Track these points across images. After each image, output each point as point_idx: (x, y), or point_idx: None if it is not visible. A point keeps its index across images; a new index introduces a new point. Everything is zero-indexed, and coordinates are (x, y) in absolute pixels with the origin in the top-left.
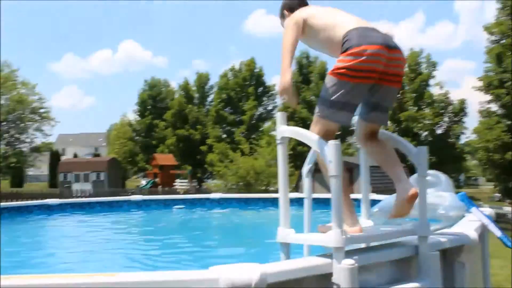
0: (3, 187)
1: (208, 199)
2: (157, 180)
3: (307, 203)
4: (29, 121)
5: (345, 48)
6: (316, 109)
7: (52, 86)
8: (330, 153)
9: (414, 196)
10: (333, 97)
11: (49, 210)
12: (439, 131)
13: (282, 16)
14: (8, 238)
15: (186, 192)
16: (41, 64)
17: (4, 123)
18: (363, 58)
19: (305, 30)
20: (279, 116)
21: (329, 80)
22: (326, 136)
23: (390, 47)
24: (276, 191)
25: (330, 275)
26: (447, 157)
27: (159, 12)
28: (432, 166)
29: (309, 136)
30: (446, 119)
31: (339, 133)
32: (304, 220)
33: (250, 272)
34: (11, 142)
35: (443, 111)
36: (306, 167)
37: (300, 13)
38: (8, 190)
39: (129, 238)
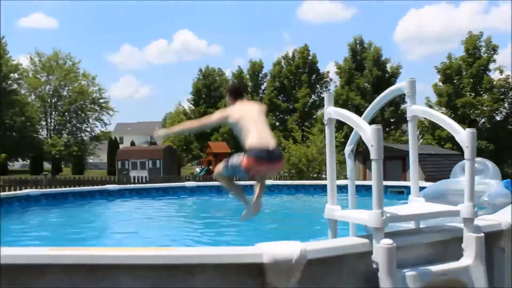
0: (66, 174)
1: None
2: (211, 167)
3: (350, 183)
4: (89, 111)
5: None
6: None
7: (110, 77)
8: (372, 138)
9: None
10: None
11: (110, 195)
12: (498, 118)
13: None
14: (75, 220)
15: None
16: (99, 55)
17: (67, 113)
18: None
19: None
20: (326, 97)
21: None
22: None
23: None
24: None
25: (369, 253)
26: (506, 144)
27: (214, 1)
28: (490, 153)
29: (354, 119)
30: (506, 105)
31: (392, 119)
32: (349, 200)
33: (292, 248)
34: (73, 131)
35: (503, 96)
36: (348, 148)
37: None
38: (71, 177)
39: (184, 220)
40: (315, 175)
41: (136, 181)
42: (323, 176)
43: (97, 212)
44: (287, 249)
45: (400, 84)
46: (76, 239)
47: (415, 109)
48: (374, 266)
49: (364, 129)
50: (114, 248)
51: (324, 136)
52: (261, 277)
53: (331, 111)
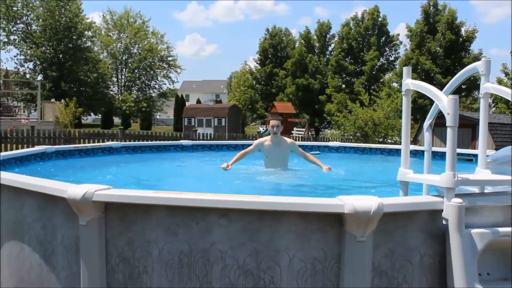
0: (134, 129)
1: (327, 146)
2: None
3: (427, 155)
4: (157, 69)
5: None
6: None
7: (177, 35)
8: (448, 106)
9: None
10: None
11: (183, 149)
12: None
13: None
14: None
15: (303, 140)
16: (167, 13)
17: (136, 70)
18: None
19: None
20: (404, 70)
21: None
22: None
23: None
24: (393, 143)
25: (440, 211)
26: None
27: None
28: None
29: (432, 90)
30: None
31: (464, 86)
32: (424, 168)
33: (370, 202)
34: (142, 88)
35: None
36: (427, 122)
37: None
38: (143, 132)
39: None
40: (380, 139)
41: (202, 138)
42: (388, 140)
43: (181, 164)
44: (367, 202)
45: (476, 64)
46: (165, 185)
47: (488, 87)
48: (444, 222)
49: (441, 98)
50: (211, 193)
51: (392, 101)
52: (340, 225)
53: (409, 83)
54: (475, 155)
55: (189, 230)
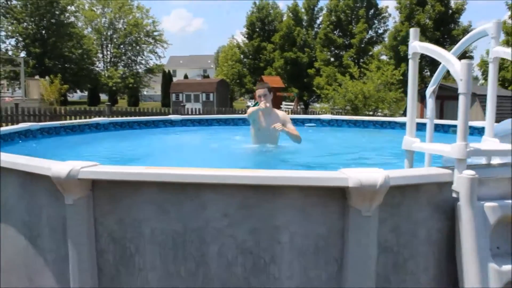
0: (122, 105)
1: (319, 119)
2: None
3: (429, 124)
4: (143, 44)
5: None
6: None
7: (162, 10)
8: (461, 71)
9: None
10: None
11: (172, 125)
12: None
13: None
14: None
15: (294, 113)
16: None
17: (122, 46)
18: None
19: None
20: (411, 32)
21: None
22: None
23: None
24: (384, 116)
25: (449, 184)
26: None
27: None
28: None
29: (441, 53)
30: None
31: (469, 55)
32: (426, 137)
33: (376, 174)
34: (128, 64)
35: None
36: (430, 88)
37: None
38: (130, 109)
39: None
40: (371, 112)
41: (191, 113)
42: (378, 113)
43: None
44: (372, 174)
45: (485, 26)
46: (155, 159)
47: (499, 51)
48: (454, 195)
49: (453, 63)
50: (204, 168)
51: (382, 73)
52: (343, 199)
53: (416, 46)
54: (471, 127)
55: (181, 207)
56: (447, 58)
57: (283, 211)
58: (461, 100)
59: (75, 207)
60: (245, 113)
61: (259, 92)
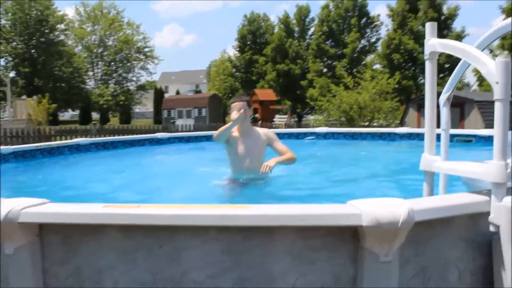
0: (114, 124)
1: (314, 133)
2: (257, 115)
3: (444, 136)
4: (134, 60)
5: None
6: None
7: (154, 26)
8: (498, 73)
9: None
10: None
11: (159, 143)
12: None
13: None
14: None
15: (287, 127)
16: (143, 3)
17: (113, 63)
18: None
19: None
20: (428, 27)
21: None
22: None
23: None
24: (379, 127)
25: (485, 214)
26: None
27: None
28: None
29: (469, 50)
30: None
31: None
32: (441, 151)
33: (397, 208)
34: (119, 81)
35: None
36: (443, 96)
37: None
38: (119, 126)
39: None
40: (366, 123)
41: (181, 130)
42: (374, 124)
43: (156, 160)
44: (392, 208)
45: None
46: (135, 191)
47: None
48: (492, 229)
49: (485, 62)
50: (178, 205)
51: (377, 83)
52: (355, 240)
53: (435, 43)
54: (475, 136)
55: (151, 254)
56: (477, 57)
57: (279, 257)
58: (498, 108)
59: (17, 256)
60: None
61: (236, 106)
